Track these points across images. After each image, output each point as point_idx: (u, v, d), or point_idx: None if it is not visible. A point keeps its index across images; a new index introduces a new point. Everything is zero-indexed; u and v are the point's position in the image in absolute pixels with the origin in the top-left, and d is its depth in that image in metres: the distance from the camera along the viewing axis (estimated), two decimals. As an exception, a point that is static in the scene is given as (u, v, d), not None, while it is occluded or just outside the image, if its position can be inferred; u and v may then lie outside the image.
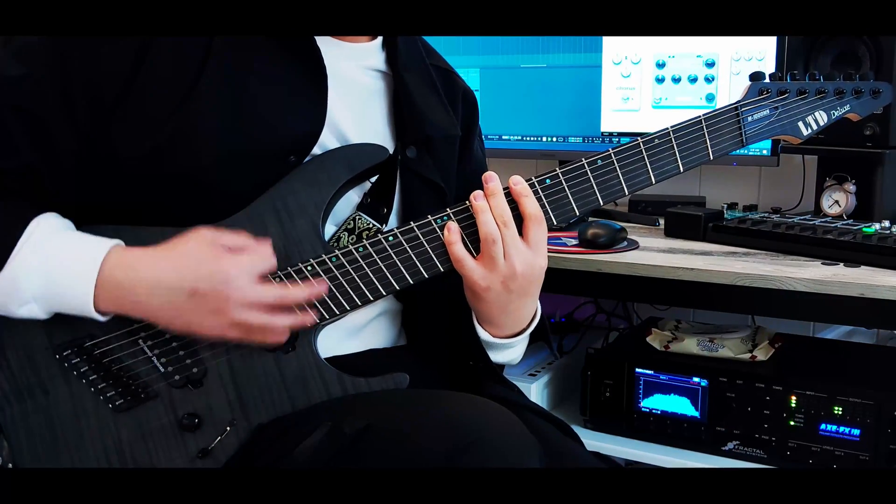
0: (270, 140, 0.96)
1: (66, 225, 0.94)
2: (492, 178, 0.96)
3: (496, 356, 1.08)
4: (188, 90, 0.93)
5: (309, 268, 0.95)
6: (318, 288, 0.94)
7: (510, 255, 0.95)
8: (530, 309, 1.04)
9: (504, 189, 0.96)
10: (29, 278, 0.88)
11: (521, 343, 1.08)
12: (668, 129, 1.00)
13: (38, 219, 0.91)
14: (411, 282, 0.97)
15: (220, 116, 0.94)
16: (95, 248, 0.90)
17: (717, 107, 1.04)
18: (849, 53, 1.43)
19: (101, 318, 0.91)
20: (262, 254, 0.92)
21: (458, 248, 0.96)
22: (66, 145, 0.93)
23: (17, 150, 0.92)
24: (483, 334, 1.04)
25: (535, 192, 0.97)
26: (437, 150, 1.09)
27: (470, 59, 1.88)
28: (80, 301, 0.89)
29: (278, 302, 0.91)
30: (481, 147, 1.23)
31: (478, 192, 0.96)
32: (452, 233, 0.96)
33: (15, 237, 0.89)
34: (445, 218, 0.96)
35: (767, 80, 1.04)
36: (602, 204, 0.99)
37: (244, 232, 0.93)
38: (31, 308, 0.90)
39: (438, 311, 1.11)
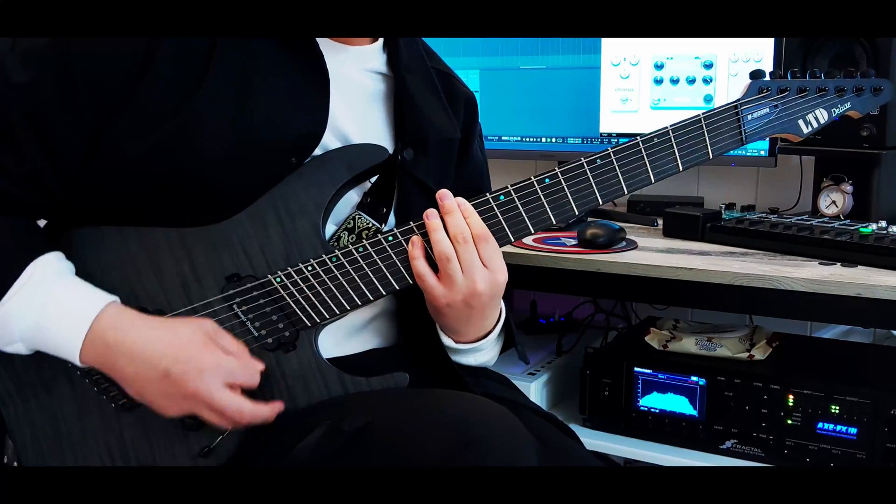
0: (272, 140, 0.97)
1: (65, 269, 0.94)
2: (446, 196, 0.96)
3: (465, 359, 1.08)
4: (191, 91, 0.94)
5: (309, 268, 0.96)
6: (273, 411, 0.93)
7: (470, 272, 0.95)
8: (493, 316, 1.04)
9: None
10: (20, 322, 0.90)
11: (490, 346, 1.07)
12: (667, 127, 1.00)
13: (38, 261, 0.91)
14: (411, 282, 0.97)
15: (222, 117, 0.94)
16: (90, 303, 0.91)
17: (717, 106, 1.04)
18: (846, 54, 1.44)
19: (82, 366, 0.92)
20: (247, 367, 0.92)
21: (420, 264, 0.96)
22: (72, 148, 0.94)
23: (25, 156, 0.92)
24: (447, 341, 1.04)
25: (534, 192, 0.98)
26: (433, 153, 1.09)
27: (470, 60, 1.89)
28: (67, 352, 0.91)
29: (233, 416, 0.91)
30: (481, 149, 1.24)
31: (430, 211, 0.96)
32: (415, 247, 0.96)
33: (11, 279, 0.89)
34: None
35: (768, 77, 1.03)
36: (601, 203, 0.99)
37: (244, 346, 0.94)
38: (17, 346, 0.92)
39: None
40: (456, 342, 1.04)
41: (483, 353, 1.07)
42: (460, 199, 0.96)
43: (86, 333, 0.90)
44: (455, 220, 0.95)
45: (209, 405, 0.90)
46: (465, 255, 0.94)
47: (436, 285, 0.96)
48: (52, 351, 0.91)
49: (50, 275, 0.92)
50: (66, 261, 0.95)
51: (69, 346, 0.90)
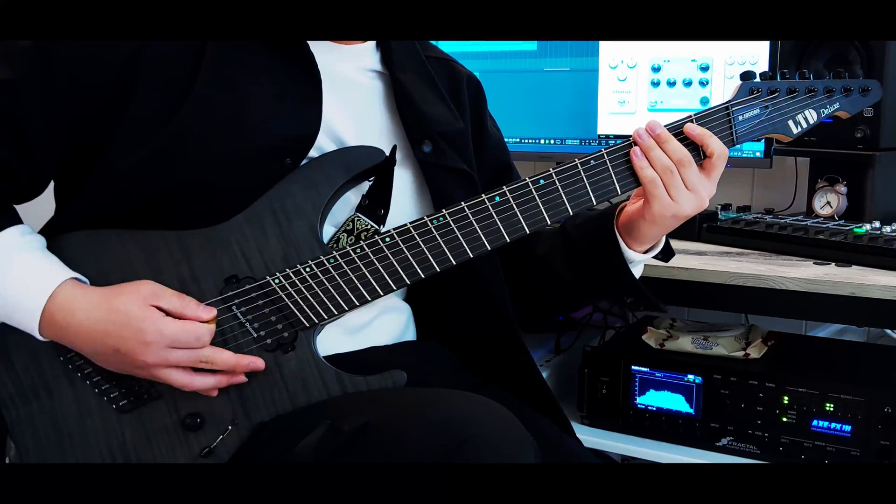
0: (265, 144, 0.97)
1: (28, 243, 0.95)
2: (657, 127, 0.98)
3: (638, 269, 1.10)
4: (180, 100, 0.94)
5: (307, 269, 0.97)
6: (245, 361, 0.95)
7: (695, 188, 0.98)
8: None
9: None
10: None
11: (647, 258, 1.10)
12: (660, 128, 1.01)
13: (2, 234, 0.93)
14: (408, 282, 0.98)
15: (213, 123, 0.95)
16: (46, 282, 0.93)
17: (709, 106, 1.04)
18: (840, 57, 1.45)
19: (46, 341, 0.95)
20: (187, 329, 0.92)
21: (650, 172, 0.97)
22: (45, 150, 0.96)
23: None
24: (630, 254, 1.05)
25: (529, 193, 0.99)
26: (451, 139, 1.10)
27: (468, 62, 1.87)
28: (27, 327, 0.93)
29: (194, 365, 0.93)
30: (495, 126, 1.25)
31: (641, 130, 0.98)
32: (640, 158, 0.98)
33: None
34: (441, 219, 0.97)
35: (758, 79, 1.04)
36: (595, 203, 1.00)
37: (192, 300, 0.94)
38: None
39: (462, 305, 1.13)
40: (638, 252, 1.05)
41: (642, 264, 1.11)
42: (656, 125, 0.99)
43: (41, 312, 0.92)
44: (674, 145, 0.98)
45: (167, 367, 0.92)
46: (690, 176, 0.98)
47: (664, 195, 0.97)
48: (17, 325, 0.94)
49: (13, 247, 0.94)
50: (31, 234, 0.97)
51: (29, 322, 0.93)
